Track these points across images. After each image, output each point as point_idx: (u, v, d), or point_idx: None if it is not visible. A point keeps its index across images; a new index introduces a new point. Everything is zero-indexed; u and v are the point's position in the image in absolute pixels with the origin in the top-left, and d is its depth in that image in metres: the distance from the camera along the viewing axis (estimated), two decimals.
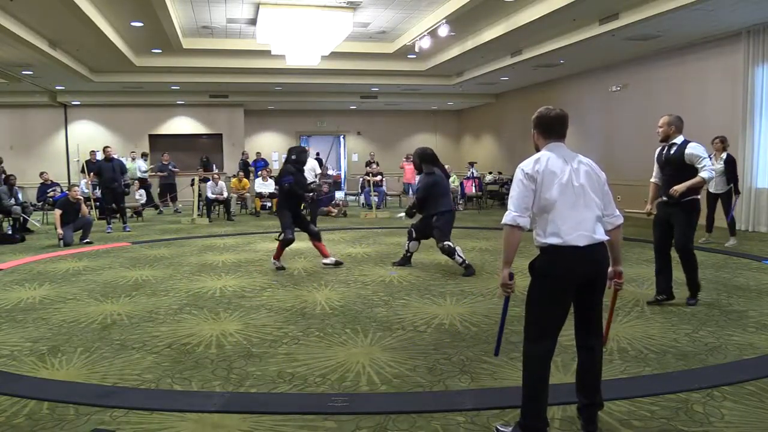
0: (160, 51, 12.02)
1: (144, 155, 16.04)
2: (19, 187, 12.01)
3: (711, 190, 8.26)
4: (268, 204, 14.16)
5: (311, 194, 7.49)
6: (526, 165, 2.69)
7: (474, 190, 15.11)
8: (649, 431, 2.78)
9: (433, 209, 6.73)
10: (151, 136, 17.67)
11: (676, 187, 4.82)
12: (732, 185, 8.08)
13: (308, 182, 8.05)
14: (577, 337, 2.78)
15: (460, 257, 6.60)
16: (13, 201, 10.76)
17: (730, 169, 8.04)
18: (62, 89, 15.58)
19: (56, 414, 3.04)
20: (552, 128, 2.78)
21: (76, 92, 15.79)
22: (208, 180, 13.29)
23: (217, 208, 13.45)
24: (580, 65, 12.91)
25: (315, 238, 7.15)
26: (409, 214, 7.32)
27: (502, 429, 2.76)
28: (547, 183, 2.62)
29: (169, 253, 8.26)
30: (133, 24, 9.89)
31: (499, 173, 16.88)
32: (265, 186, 14.18)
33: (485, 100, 18.48)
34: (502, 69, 13.13)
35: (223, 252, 8.33)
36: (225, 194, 13.21)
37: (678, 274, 5.12)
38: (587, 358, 2.75)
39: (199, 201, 13.17)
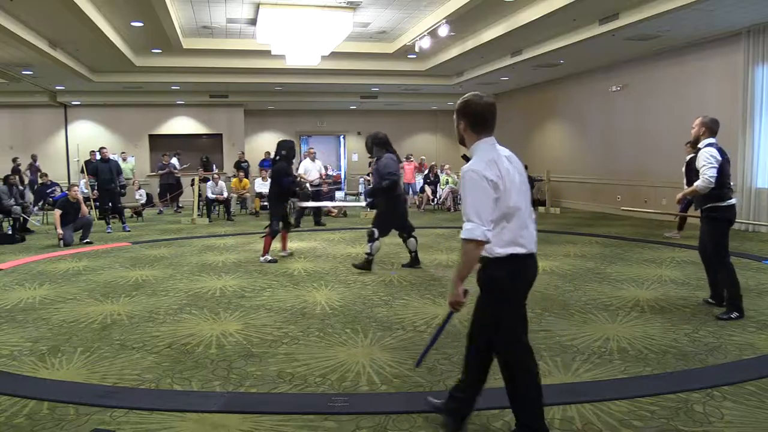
0: (160, 51, 12.02)
1: (178, 153, 16.12)
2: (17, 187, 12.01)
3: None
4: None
5: (300, 190, 8.39)
6: (484, 169, 2.40)
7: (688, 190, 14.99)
8: (649, 431, 2.78)
9: (392, 191, 6.63)
10: (151, 136, 17.66)
11: (677, 195, 4.82)
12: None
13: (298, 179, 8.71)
14: None
15: (372, 254, 6.68)
16: (12, 201, 10.77)
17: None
18: (62, 89, 15.58)
19: (56, 414, 3.05)
20: (485, 119, 2.53)
21: (76, 92, 15.79)
22: (208, 180, 13.29)
23: (217, 208, 13.46)
24: (580, 65, 12.91)
25: (288, 229, 7.81)
26: (371, 204, 7.14)
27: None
28: (508, 189, 2.44)
29: (169, 253, 8.26)
30: (133, 24, 9.89)
31: None
32: (265, 186, 14.18)
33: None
34: (502, 69, 13.13)
35: (223, 252, 8.33)
36: (225, 194, 13.22)
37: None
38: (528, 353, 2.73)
39: (199, 201, 13.17)
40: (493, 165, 2.43)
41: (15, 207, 10.53)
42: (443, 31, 9.78)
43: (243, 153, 16.79)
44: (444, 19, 9.50)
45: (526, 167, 2.96)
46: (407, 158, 16.73)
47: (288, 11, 9.24)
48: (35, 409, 3.10)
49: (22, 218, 10.65)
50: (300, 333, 4.40)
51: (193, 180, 13.93)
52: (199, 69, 13.51)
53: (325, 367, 3.67)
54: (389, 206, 6.69)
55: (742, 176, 9.44)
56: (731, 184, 4.79)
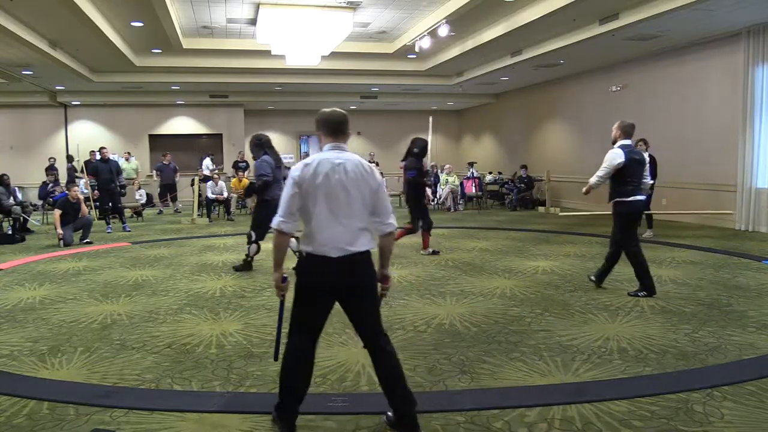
0: (160, 51, 12.02)
1: (211, 154, 16.11)
2: (18, 186, 12.01)
3: None
4: None
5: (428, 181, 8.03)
6: (296, 169, 2.68)
7: (474, 190, 15.10)
8: (649, 431, 2.78)
9: (262, 195, 6.71)
10: (151, 136, 17.66)
11: (583, 189, 5.44)
12: (653, 182, 8.68)
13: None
14: (363, 339, 2.80)
15: (251, 257, 6.81)
16: (12, 201, 10.76)
17: (652, 167, 8.58)
18: (62, 89, 15.57)
19: (56, 414, 3.05)
20: (330, 126, 2.76)
21: (76, 92, 15.79)
22: (209, 180, 13.29)
23: (217, 208, 13.46)
24: (580, 65, 12.91)
25: (414, 228, 7.72)
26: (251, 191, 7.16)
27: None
28: (312, 190, 2.62)
29: (169, 253, 8.26)
30: (133, 24, 9.88)
31: (499, 173, 16.88)
32: None
33: (485, 100, 18.49)
34: (502, 69, 13.13)
35: (223, 252, 8.33)
36: (225, 194, 13.22)
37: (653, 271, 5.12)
38: (382, 359, 2.76)
39: (199, 201, 13.17)
40: (306, 166, 2.66)
41: (15, 207, 10.54)
42: (443, 31, 9.78)
43: (242, 153, 16.74)
44: (444, 19, 9.49)
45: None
46: None
47: (288, 11, 9.23)
48: (35, 409, 3.10)
49: (22, 218, 10.65)
50: None
51: (193, 180, 13.92)
52: (199, 69, 13.50)
53: (325, 367, 3.67)
54: (261, 209, 6.68)
55: (742, 176, 9.44)
56: (642, 182, 5.36)
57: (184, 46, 11.43)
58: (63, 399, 3.22)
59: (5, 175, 11.33)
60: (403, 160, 7.83)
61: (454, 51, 12.20)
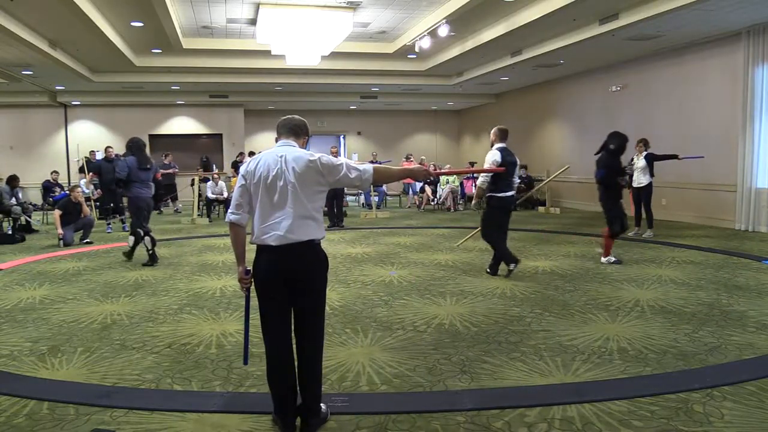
0: (160, 51, 12.02)
1: (242, 154, 16.10)
2: (19, 187, 12.03)
3: (634, 185, 9.03)
4: None
5: (623, 181, 7.14)
6: (244, 164, 2.84)
7: (474, 190, 15.08)
8: (649, 431, 2.78)
9: (125, 192, 7.48)
10: (151, 136, 17.63)
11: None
12: (652, 179, 8.95)
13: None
14: (295, 339, 2.85)
15: (131, 247, 7.49)
16: (14, 201, 10.76)
17: (650, 166, 8.96)
18: (62, 89, 15.57)
19: (56, 414, 3.04)
20: (285, 128, 2.92)
21: (76, 92, 15.79)
22: (208, 180, 13.29)
23: (217, 208, 13.46)
24: (580, 65, 12.91)
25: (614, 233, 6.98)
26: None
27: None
28: (255, 183, 2.74)
29: (169, 253, 8.25)
30: (133, 24, 9.89)
31: None
32: None
33: (485, 100, 18.49)
34: (502, 69, 13.13)
35: (223, 252, 8.32)
36: (225, 194, 13.22)
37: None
38: (299, 358, 2.84)
39: (199, 201, 13.16)
40: (252, 161, 2.82)
41: (15, 207, 10.53)
42: (443, 31, 9.78)
43: (243, 154, 16.74)
44: (444, 19, 9.49)
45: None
46: (406, 158, 16.76)
47: (288, 11, 9.23)
48: (35, 409, 3.10)
49: (24, 219, 10.64)
50: None
51: (192, 180, 13.92)
52: (199, 69, 13.51)
53: (325, 367, 3.64)
54: (131, 205, 7.46)
55: (742, 176, 9.44)
56: (513, 181, 6.18)
57: (184, 46, 11.43)
58: (63, 399, 3.22)
59: (16, 176, 11.33)
60: (596, 154, 7.01)
61: (454, 51, 12.20)
